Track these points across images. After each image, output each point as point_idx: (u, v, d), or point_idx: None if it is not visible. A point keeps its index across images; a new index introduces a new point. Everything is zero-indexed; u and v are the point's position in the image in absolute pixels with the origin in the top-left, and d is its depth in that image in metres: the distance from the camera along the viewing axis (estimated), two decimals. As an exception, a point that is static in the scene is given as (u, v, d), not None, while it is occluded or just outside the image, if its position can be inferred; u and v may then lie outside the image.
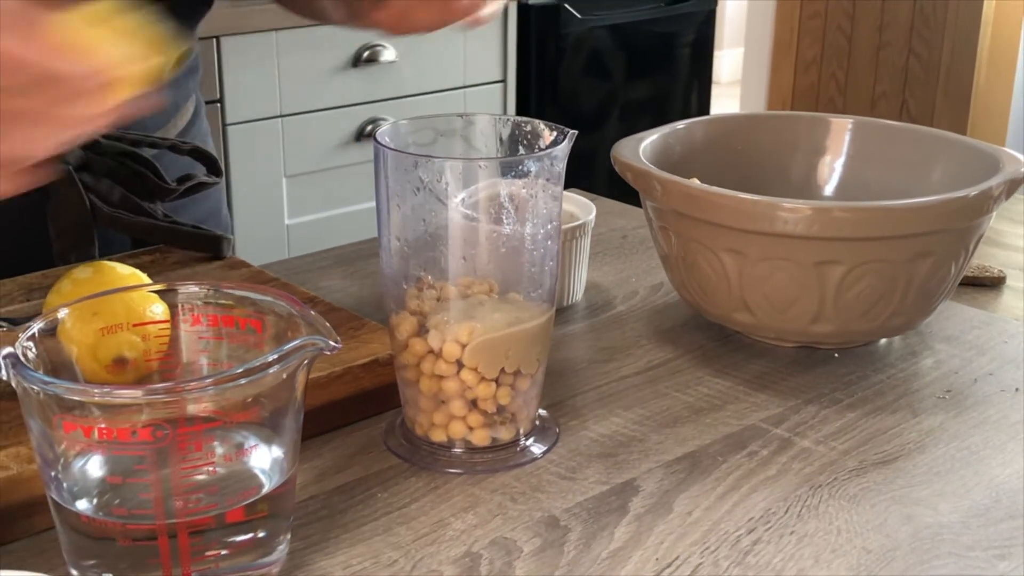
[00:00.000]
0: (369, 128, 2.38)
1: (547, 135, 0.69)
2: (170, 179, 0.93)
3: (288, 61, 2.24)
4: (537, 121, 0.70)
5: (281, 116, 2.27)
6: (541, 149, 0.69)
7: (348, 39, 2.31)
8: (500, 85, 2.60)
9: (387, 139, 0.67)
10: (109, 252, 0.92)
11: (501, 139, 0.71)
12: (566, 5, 2.70)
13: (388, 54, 2.37)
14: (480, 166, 0.66)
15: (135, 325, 0.61)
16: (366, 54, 2.33)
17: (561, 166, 0.67)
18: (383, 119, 2.39)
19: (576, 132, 0.68)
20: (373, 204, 2.51)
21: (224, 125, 2.20)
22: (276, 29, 2.21)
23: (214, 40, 2.14)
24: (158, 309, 0.61)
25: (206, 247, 0.93)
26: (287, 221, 2.34)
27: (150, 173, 0.92)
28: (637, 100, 2.96)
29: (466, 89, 2.54)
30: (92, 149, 0.90)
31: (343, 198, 2.40)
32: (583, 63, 2.81)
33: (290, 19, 2.23)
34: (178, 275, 0.89)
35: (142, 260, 0.91)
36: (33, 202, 0.85)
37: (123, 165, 0.91)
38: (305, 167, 2.33)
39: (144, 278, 0.72)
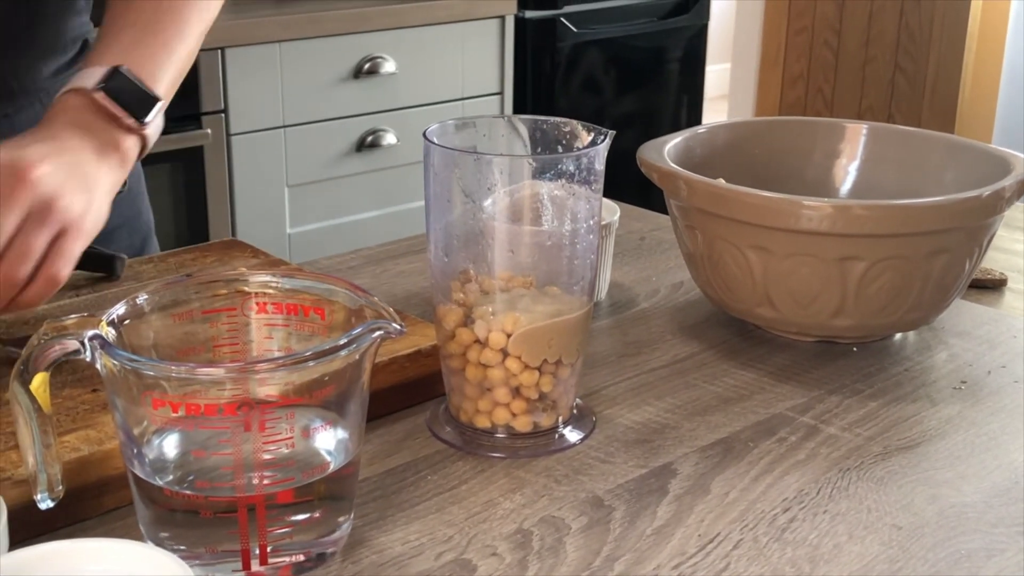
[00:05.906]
0: (369, 139, 2.41)
1: (584, 135, 0.73)
2: None
3: (291, 72, 2.27)
4: (575, 122, 0.74)
5: (284, 127, 2.29)
6: (580, 148, 0.72)
7: (350, 51, 2.34)
8: (497, 97, 2.64)
9: (435, 138, 0.70)
10: None
11: (541, 139, 0.75)
12: (562, 19, 2.74)
13: (388, 66, 2.40)
14: (529, 163, 0.69)
15: None
16: (367, 66, 2.36)
17: (601, 164, 0.71)
18: (383, 130, 2.42)
19: (614, 132, 0.72)
20: (373, 214, 2.52)
21: (228, 135, 2.23)
22: (279, 41, 2.24)
23: (219, 51, 2.17)
24: None
25: (100, 266, 0.88)
26: (289, 230, 2.37)
27: None
28: (629, 113, 3.00)
29: (464, 100, 2.57)
30: None
31: (344, 208, 2.42)
32: (578, 76, 2.85)
33: (293, 31, 2.27)
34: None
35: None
36: None
37: None
38: (307, 177, 2.35)
39: None
